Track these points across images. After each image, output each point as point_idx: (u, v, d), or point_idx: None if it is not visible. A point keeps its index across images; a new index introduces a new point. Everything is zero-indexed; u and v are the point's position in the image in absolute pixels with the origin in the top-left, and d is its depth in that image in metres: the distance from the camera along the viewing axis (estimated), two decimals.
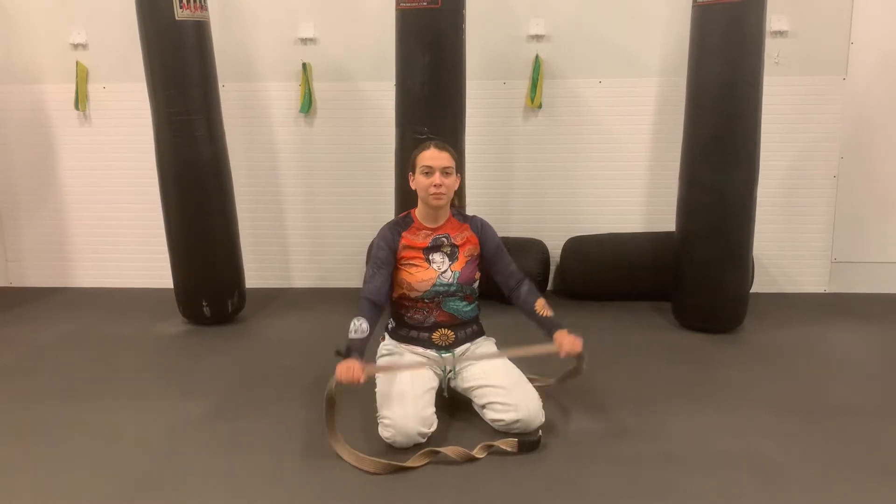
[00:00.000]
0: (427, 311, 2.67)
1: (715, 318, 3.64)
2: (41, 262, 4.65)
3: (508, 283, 2.77)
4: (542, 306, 2.70)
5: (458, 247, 2.70)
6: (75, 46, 4.35)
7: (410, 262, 2.65)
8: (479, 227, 2.76)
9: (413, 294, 2.65)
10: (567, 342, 2.55)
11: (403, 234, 2.68)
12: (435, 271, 2.64)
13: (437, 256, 2.67)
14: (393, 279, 2.69)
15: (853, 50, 4.13)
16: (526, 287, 2.75)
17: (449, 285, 2.65)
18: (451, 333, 2.69)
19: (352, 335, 2.50)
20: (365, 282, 2.65)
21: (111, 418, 2.77)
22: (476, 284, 2.74)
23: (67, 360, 3.39)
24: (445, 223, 2.71)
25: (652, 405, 2.82)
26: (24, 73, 4.42)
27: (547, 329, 2.66)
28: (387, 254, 2.65)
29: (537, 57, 4.19)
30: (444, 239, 2.69)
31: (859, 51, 4.12)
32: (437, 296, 2.65)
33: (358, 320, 2.52)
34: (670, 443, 2.53)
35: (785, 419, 2.71)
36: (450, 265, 2.67)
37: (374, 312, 2.57)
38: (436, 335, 2.68)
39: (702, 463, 2.40)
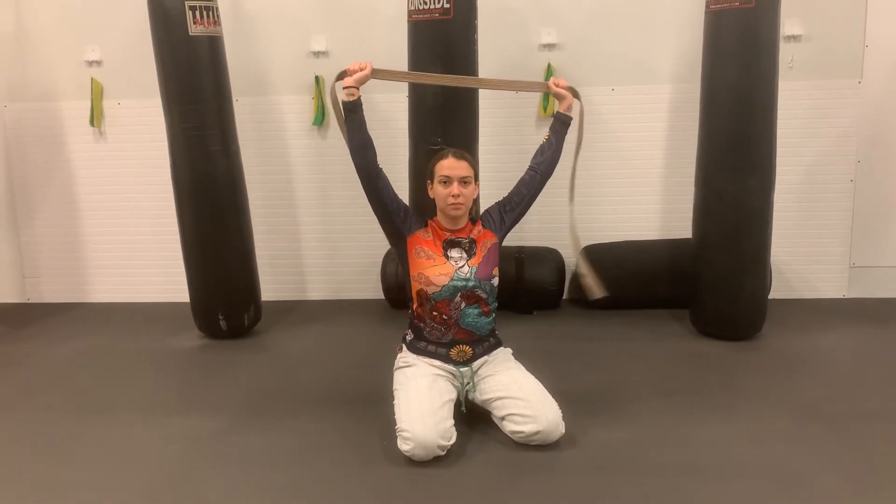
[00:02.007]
0: (445, 328, 2.66)
1: (733, 325, 3.61)
2: (58, 278, 4.68)
3: (528, 177, 2.83)
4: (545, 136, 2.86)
5: (475, 241, 2.70)
6: (90, 63, 4.38)
7: (428, 251, 2.65)
8: (486, 218, 2.80)
9: (431, 290, 2.62)
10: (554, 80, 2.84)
11: (430, 221, 2.73)
12: (452, 266, 2.64)
13: (454, 252, 2.67)
14: (410, 274, 2.69)
15: (868, 53, 4.10)
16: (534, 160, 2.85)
17: (466, 280, 2.63)
18: (468, 349, 2.68)
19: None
20: None
21: (128, 433, 2.77)
22: (495, 282, 2.72)
23: (84, 376, 3.41)
24: (463, 228, 2.73)
25: (672, 414, 2.80)
26: (40, 90, 4.46)
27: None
28: (404, 205, 2.75)
29: (549, 66, 4.19)
30: (462, 239, 2.70)
31: (874, 53, 4.09)
32: (456, 294, 2.62)
33: None
34: (691, 452, 2.50)
35: (807, 426, 2.68)
36: (467, 260, 2.66)
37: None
38: (453, 351, 2.67)
39: (724, 472, 2.37)
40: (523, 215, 2.85)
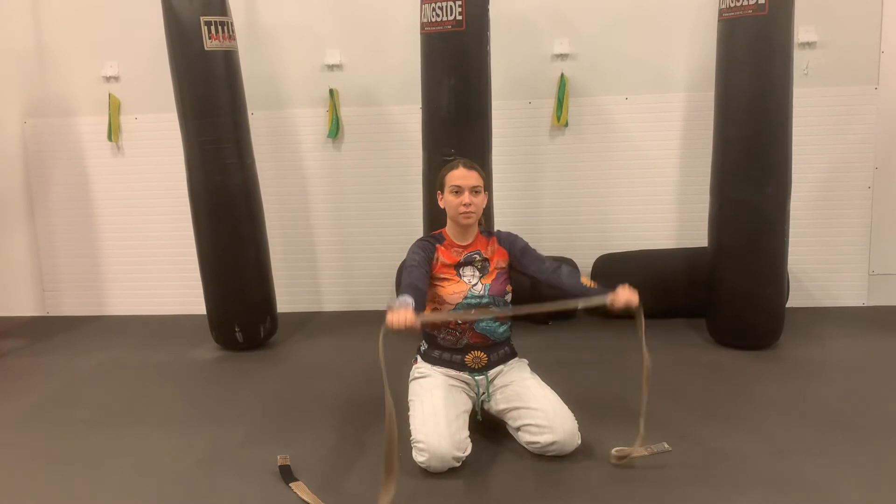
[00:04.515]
0: (460, 333, 2.65)
1: (751, 333, 3.58)
2: (77, 292, 4.73)
3: (547, 269, 2.68)
4: (587, 280, 2.64)
5: (488, 260, 2.69)
6: (107, 79, 4.44)
7: (442, 276, 2.65)
8: (504, 238, 2.77)
9: (445, 309, 2.63)
10: (622, 293, 2.45)
11: (438, 246, 2.69)
12: (466, 284, 2.64)
13: (467, 270, 2.67)
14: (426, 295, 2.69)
15: (884, 58, 4.07)
16: (567, 267, 2.69)
17: (480, 297, 2.63)
18: (483, 356, 2.67)
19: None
20: (406, 271, 2.57)
21: (147, 445, 2.79)
22: (508, 298, 2.72)
23: (103, 388, 3.44)
24: (475, 241, 2.72)
25: (689, 424, 2.77)
26: (58, 106, 4.53)
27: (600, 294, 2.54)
28: (423, 257, 2.62)
29: (562, 75, 4.19)
30: (475, 255, 2.69)
31: (891, 59, 4.06)
32: (470, 310, 2.62)
33: (401, 296, 2.40)
34: (709, 462, 2.48)
35: (828, 436, 2.64)
36: (480, 278, 2.66)
37: (418, 293, 2.46)
38: (468, 357, 2.67)
39: (743, 482, 2.35)
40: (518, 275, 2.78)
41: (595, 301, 2.51)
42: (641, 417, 2.51)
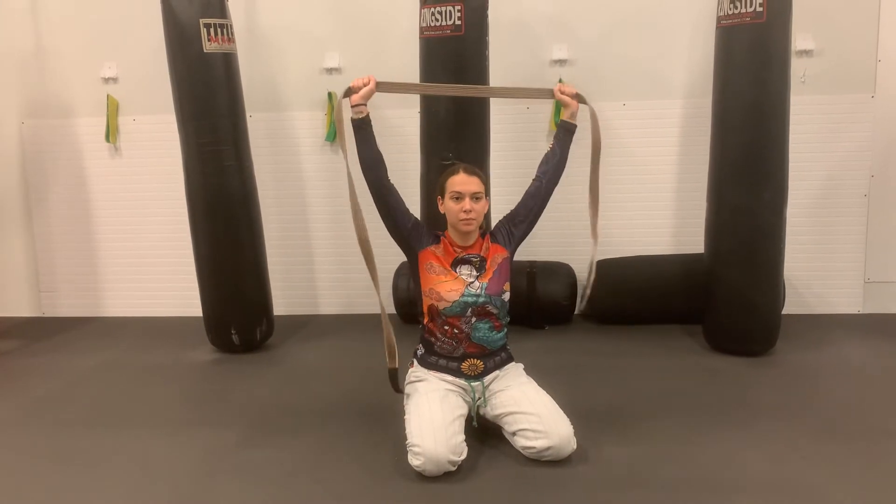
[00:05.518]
0: (457, 342, 2.65)
1: (747, 340, 3.58)
2: (73, 293, 4.72)
3: (530, 190, 2.84)
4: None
5: (485, 259, 2.69)
6: (106, 80, 4.44)
7: (438, 266, 2.65)
8: (497, 232, 2.78)
9: (442, 305, 2.62)
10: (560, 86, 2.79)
11: (442, 238, 2.72)
12: (463, 282, 2.63)
13: (464, 269, 2.67)
14: (421, 289, 2.69)
15: (881, 67, 4.09)
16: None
17: (477, 296, 2.62)
18: (479, 363, 2.67)
19: None
20: None
21: (143, 447, 2.78)
22: (506, 297, 2.71)
23: (99, 389, 3.43)
24: (474, 244, 2.72)
25: (685, 430, 2.77)
26: (57, 107, 4.53)
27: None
28: (413, 216, 2.75)
29: (560, 81, 4.19)
30: (473, 256, 2.69)
31: (887, 68, 4.08)
32: (467, 309, 2.61)
33: None
34: (706, 469, 2.48)
35: (824, 443, 2.65)
36: (477, 276, 2.66)
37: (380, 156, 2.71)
38: (465, 365, 2.66)
39: (738, 488, 2.35)
40: (533, 226, 2.83)
41: (541, 94, 2.89)
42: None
